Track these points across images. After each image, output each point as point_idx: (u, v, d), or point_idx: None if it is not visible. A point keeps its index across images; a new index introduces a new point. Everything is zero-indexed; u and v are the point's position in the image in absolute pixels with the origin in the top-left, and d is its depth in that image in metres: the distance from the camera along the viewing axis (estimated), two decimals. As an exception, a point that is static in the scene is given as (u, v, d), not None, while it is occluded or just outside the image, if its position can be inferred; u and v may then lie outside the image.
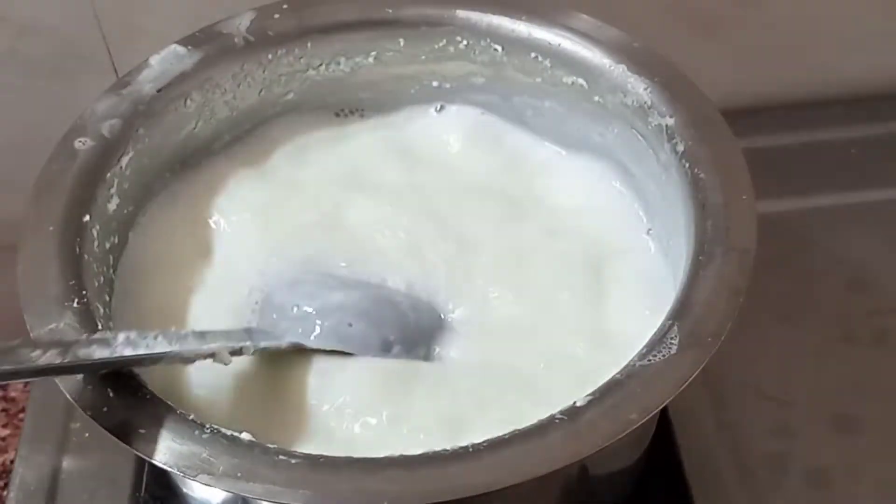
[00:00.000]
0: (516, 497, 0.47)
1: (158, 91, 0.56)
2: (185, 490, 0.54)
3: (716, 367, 0.60)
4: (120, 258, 0.55)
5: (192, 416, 0.44)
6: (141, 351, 0.46)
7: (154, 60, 0.57)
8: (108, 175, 0.53)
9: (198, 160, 0.60)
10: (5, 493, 0.60)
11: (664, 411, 0.59)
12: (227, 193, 0.59)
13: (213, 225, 0.58)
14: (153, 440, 0.43)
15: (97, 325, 0.47)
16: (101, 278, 0.51)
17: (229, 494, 0.47)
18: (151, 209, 0.57)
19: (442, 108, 0.63)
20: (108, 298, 0.52)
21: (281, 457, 0.42)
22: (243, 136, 0.61)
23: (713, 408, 0.62)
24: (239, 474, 0.41)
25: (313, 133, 0.63)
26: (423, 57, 0.61)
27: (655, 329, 0.47)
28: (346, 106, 0.63)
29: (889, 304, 0.67)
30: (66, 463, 0.61)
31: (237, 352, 0.50)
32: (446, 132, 0.63)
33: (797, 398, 0.63)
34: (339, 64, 0.61)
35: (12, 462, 0.62)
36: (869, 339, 0.65)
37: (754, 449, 0.61)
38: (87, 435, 0.61)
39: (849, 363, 0.64)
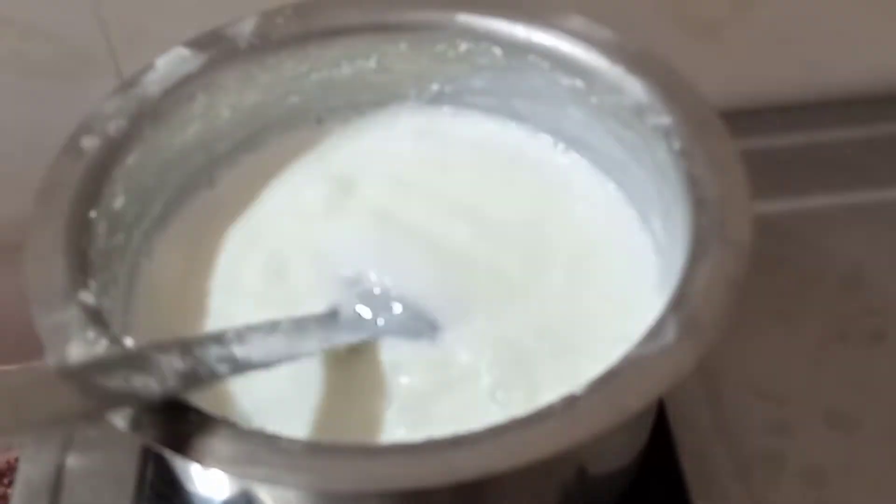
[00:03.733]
0: (515, 494, 0.47)
1: (164, 92, 0.57)
2: (188, 487, 0.55)
3: (713, 366, 0.61)
4: (125, 255, 0.55)
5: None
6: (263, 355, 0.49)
7: (160, 62, 0.57)
8: (114, 173, 0.54)
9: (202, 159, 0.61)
10: (10, 490, 0.61)
11: (662, 409, 0.60)
12: (233, 195, 0.61)
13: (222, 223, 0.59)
14: (156, 426, 0.43)
15: (102, 317, 0.48)
16: (107, 273, 0.52)
17: (233, 492, 0.48)
18: (159, 208, 0.58)
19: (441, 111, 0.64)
20: (113, 293, 0.52)
21: (283, 442, 0.43)
22: (247, 138, 0.62)
23: (710, 406, 0.62)
24: (241, 459, 0.42)
25: (319, 135, 0.64)
26: (424, 60, 0.62)
27: (652, 322, 0.47)
28: (346, 107, 0.64)
29: (885, 304, 0.67)
30: (71, 460, 0.61)
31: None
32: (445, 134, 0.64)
33: (794, 396, 0.63)
34: (340, 67, 0.62)
35: (17, 460, 0.62)
36: (865, 338, 0.66)
37: (751, 447, 0.61)
38: (91, 433, 0.62)
39: (845, 362, 0.65)
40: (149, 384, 0.43)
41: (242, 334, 0.49)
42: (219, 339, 0.48)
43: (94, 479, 0.60)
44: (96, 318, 0.47)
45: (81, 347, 0.46)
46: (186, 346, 0.47)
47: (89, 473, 0.60)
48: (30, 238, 0.50)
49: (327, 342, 0.53)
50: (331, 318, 0.54)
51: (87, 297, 0.48)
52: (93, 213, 0.52)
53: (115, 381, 0.43)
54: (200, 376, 0.46)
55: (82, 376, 0.42)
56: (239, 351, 0.48)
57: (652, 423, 0.57)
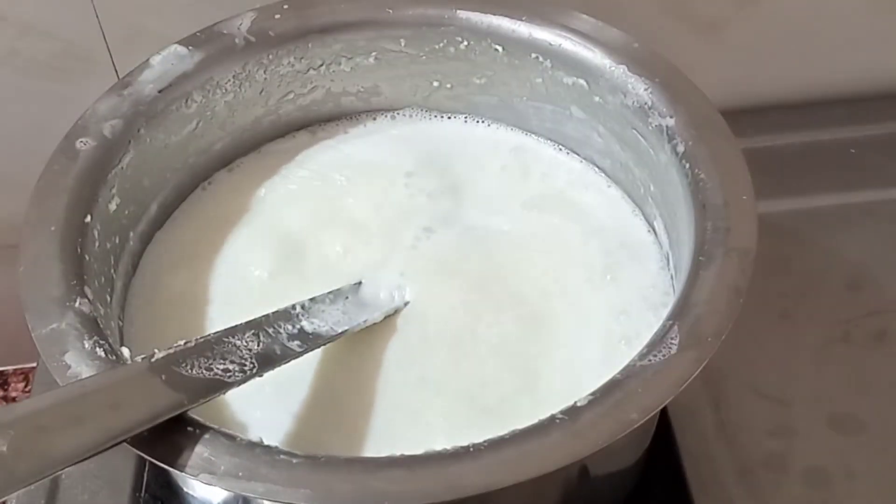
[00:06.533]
0: (517, 497, 0.47)
1: (160, 91, 0.56)
2: (185, 490, 0.54)
3: (715, 367, 0.60)
4: (121, 259, 0.55)
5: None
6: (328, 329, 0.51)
7: (155, 61, 0.57)
8: (110, 175, 0.53)
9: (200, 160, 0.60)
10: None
11: (664, 411, 0.60)
12: (229, 196, 0.60)
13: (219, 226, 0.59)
14: (154, 440, 0.43)
15: (98, 326, 0.47)
16: (102, 278, 0.51)
17: (230, 494, 0.47)
18: (154, 210, 0.58)
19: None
20: (108, 299, 0.52)
21: (282, 456, 0.42)
22: (244, 137, 0.62)
23: (712, 408, 0.62)
24: (240, 474, 0.41)
25: (316, 134, 0.63)
26: (424, 57, 0.61)
27: (656, 329, 0.47)
28: (347, 107, 0.64)
29: (888, 305, 0.67)
30: (67, 462, 0.61)
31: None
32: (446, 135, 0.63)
33: (796, 398, 0.62)
34: (339, 64, 0.61)
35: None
36: (867, 339, 0.65)
37: (753, 448, 0.60)
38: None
39: (847, 363, 0.64)
40: (230, 370, 0.45)
41: (307, 307, 0.52)
42: (286, 315, 0.51)
43: (91, 482, 0.60)
44: (92, 326, 0.47)
45: (78, 357, 0.45)
46: (258, 326, 0.48)
47: (86, 476, 0.60)
48: (24, 244, 0.49)
49: (378, 311, 0.54)
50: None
51: (83, 304, 0.47)
52: (87, 218, 0.51)
53: (199, 371, 0.44)
54: (276, 356, 0.48)
55: (167, 370, 0.43)
56: (308, 325, 0.51)
57: (654, 425, 0.57)
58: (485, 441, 0.43)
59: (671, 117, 0.54)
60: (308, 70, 0.61)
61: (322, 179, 0.61)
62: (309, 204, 0.60)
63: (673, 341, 0.45)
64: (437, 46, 0.61)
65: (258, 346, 0.47)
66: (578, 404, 0.44)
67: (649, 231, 0.58)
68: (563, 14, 0.58)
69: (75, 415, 0.40)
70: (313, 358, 0.52)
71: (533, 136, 0.63)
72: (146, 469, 0.60)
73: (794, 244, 0.70)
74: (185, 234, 0.58)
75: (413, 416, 0.51)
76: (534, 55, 0.59)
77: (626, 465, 0.56)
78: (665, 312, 0.48)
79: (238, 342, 0.47)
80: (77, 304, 0.47)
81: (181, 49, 0.57)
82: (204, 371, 0.44)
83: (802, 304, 0.67)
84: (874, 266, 0.69)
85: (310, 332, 0.51)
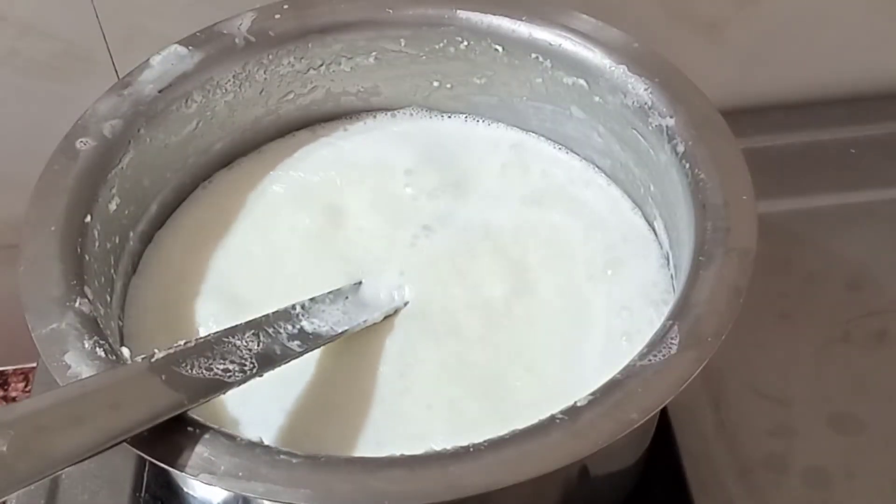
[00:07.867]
0: (517, 497, 0.47)
1: (160, 91, 0.56)
2: (185, 490, 0.54)
3: (715, 367, 0.60)
4: (121, 259, 0.55)
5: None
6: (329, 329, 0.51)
7: (155, 61, 0.57)
8: (110, 175, 0.53)
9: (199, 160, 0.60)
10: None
11: (664, 411, 0.60)
12: (229, 195, 0.60)
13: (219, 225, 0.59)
14: (154, 440, 0.43)
15: (98, 326, 0.47)
16: (102, 278, 0.51)
17: (230, 494, 0.47)
18: (154, 209, 0.58)
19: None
20: (108, 299, 0.52)
21: (282, 456, 0.42)
22: (244, 137, 0.62)
23: (712, 408, 0.62)
24: (240, 473, 0.41)
25: (316, 132, 0.63)
26: (424, 57, 0.61)
27: (656, 329, 0.47)
28: (346, 107, 0.64)
29: (888, 305, 0.67)
30: (67, 462, 0.61)
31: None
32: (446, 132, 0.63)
33: (796, 398, 0.62)
34: (339, 64, 0.61)
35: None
36: (868, 340, 0.65)
37: (753, 449, 0.60)
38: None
39: (848, 363, 0.64)
40: (230, 370, 0.45)
41: (307, 307, 0.52)
42: (286, 315, 0.51)
43: (91, 482, 0.60)
44: (92, 326, 0.47)
45: (78, 357, 0.45)
46: (258, 326, 0.48)
47: (86, 476, 0.60)
48: (24, 244, 0.49)
49: (378, 311, 0.54)
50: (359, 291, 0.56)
51: (83, 304, 0.47)
52: (88, 218, 0.51)
53: (199, 371, 0.44)
54: (276, 356, 0.48)
55: (167, 370, 0.43)
56: (308, 325, 0.51)
57: (654, 425, 0.57)
58: (485, 441, 0.43)
59: (671, 117, 0.54)
60: (308, 70, 0.61)
61: (322, 177, 0.61)
62: (309, 202, 0.60)
63: (673, 341, 0.45)
64: (437, 46, 0.61)
65: (258, 346, 0.47)
66: (578, 404, 0.44)
67: (649, 230, 0.58)
68: (563, 14, 0.58)
69: (75, 415, 0.41)
70: (312, 358, 0.52)
71: (533, 135, 0.63)
72: (146, 469, 0.60)
73: (794, 244, 0.70)
74: (186, 234, 0.58)
75: (413, 416, 0.51)
76: (534, 55, 0.59)
77: (626, 465, 0.56)
78: (666, 310, 0.48)
79: (238, 342, 0.47)
80: (77, 304, 0.47)
81: (181, 49, 0.57)
82: (204, 371, 0.44)
83: (802, 304, 0.67)
84: (874, 266, 0.69)
85: (310, 332, 0.51)
